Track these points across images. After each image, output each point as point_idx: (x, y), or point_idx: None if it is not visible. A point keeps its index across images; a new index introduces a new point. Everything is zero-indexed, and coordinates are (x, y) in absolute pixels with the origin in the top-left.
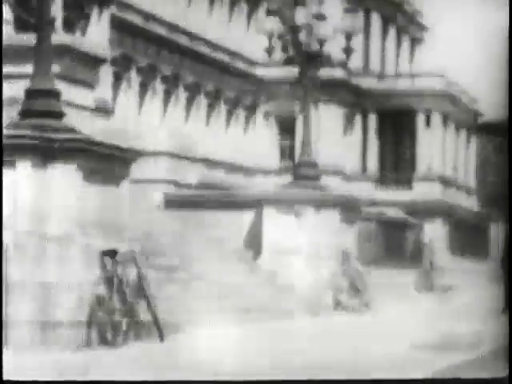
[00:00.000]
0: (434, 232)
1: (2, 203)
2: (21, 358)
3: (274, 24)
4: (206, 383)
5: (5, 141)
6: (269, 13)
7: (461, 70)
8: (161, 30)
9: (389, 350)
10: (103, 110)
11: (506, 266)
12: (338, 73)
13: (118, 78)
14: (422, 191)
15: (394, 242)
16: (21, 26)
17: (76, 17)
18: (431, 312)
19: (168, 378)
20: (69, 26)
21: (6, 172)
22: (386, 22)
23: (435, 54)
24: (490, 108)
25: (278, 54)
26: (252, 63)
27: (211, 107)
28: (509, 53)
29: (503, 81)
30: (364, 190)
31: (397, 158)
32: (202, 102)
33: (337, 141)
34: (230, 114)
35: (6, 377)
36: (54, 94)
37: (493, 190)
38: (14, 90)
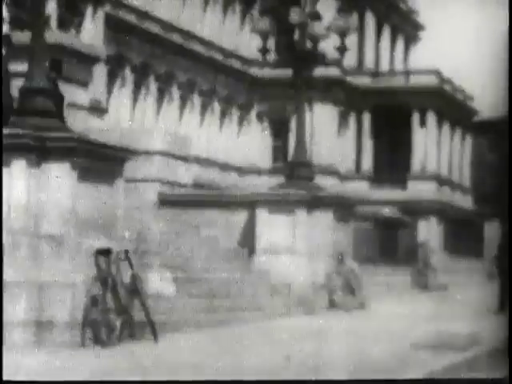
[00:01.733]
0: (429, 231)
1: (1, 203)
2: (15, 358)
3: (267, 23)
4: (205, 383)
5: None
6: (263, 12)
7: (456, 68)
8: (155, 29)
9: (384, 349)
10: (97, 109)
11: (500, 265)
12: (332, 72)
13: (111, 77)
14: (417, 190)
15: (388, 241)
16: (16, 24)
17: (70, 15)
18: (426, 311)
19: (161, 377)
20: (63, 24)
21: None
22: (380, 21)
23: (430, 52)
24: (486, 106)
25: (272, 54)
26: (246, 62)
27: (205, 106)
28: (509, 53)
29: (500, 79)
30: (358, 190)
31: (391, 156)
32: (196, 100)
33: (331, 140)
34: (223, 113)
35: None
36: (49, 93)
37: (488, 189)
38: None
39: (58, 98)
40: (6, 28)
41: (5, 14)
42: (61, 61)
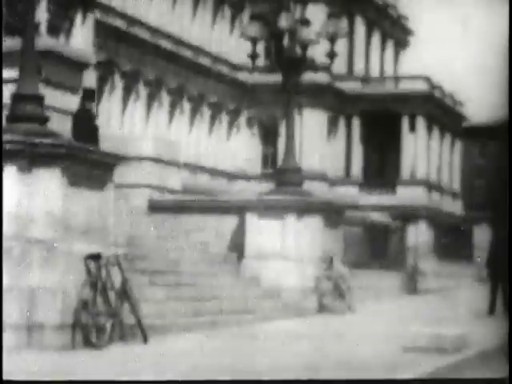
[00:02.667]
0: (418, 235)
1: (2, 205)
2: (7, 360)
3: (257, 29)
4: (205, 383)
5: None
6: (252, 18)
7: (446, 74)
8: (144, 35)
9: (374, 352)
10: None
11: (491, 269)
12: (321, 77)
13: (101, 83)
14: (407, 195)
15: (378, 245)
16: (7, 30)
17: (60, 21)
18: (416, 314)
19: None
20: (53, 30)
21: None
22: (370, 27)
23: (420, 57)
24: (476, 111)
25: (262, 60)
26: (236, 68)
27: (194, 112)
28: (509, 53)
29: (490, 84)
30: (348, 195)
31: (381, 162)
32: (186, 106)
33: (321, 145)
34: (213, 119)
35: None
36: (39, 99)
37: (477, 194)
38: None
39: (94, 128)
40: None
41: None
42: (94, 91)
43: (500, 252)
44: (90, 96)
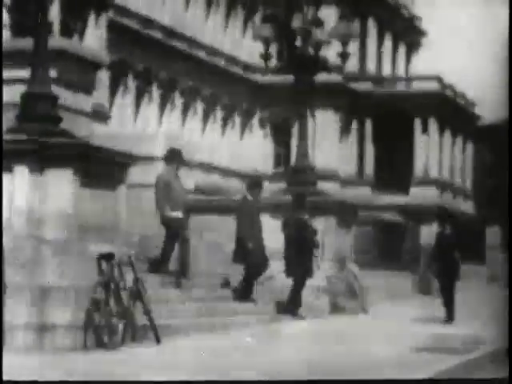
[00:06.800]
0: (431, 236)
1: (1, 206)
2: (17, 360)
3: (270, 30)
4: (206, 383)
5: (3, 145)
6: (265, 19)
7: (458, 74)
8: (158, 35)
9: (387, 353)
10: (100, 115)
11: (434, 268)
12: (334, 78)
13: (114, 83)
14: (419, 195)
15: (390, 245)
16: (18, 30)
17: (73, 21)
18: (429, 315)
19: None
20: (66, 30)
21: (3, 176)
22: (382, 27)
23: (432, 58)
24: (488, 111)
25: (275, 60)
26: (248, 69)
27: (207, 112)
28: (509, 53)
29: (502, 84)
30: (361, 195)
31: (393, 162)
32: (199, 107)
33: (333, 146)
34: (226, 119)
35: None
36: (51, 99)
37: (489, 194)
38: (11, 94)
39: (313, 233)
40: (7, 33)
41: (5, 19)
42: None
43: (510, 249)
44: (300, 202)
